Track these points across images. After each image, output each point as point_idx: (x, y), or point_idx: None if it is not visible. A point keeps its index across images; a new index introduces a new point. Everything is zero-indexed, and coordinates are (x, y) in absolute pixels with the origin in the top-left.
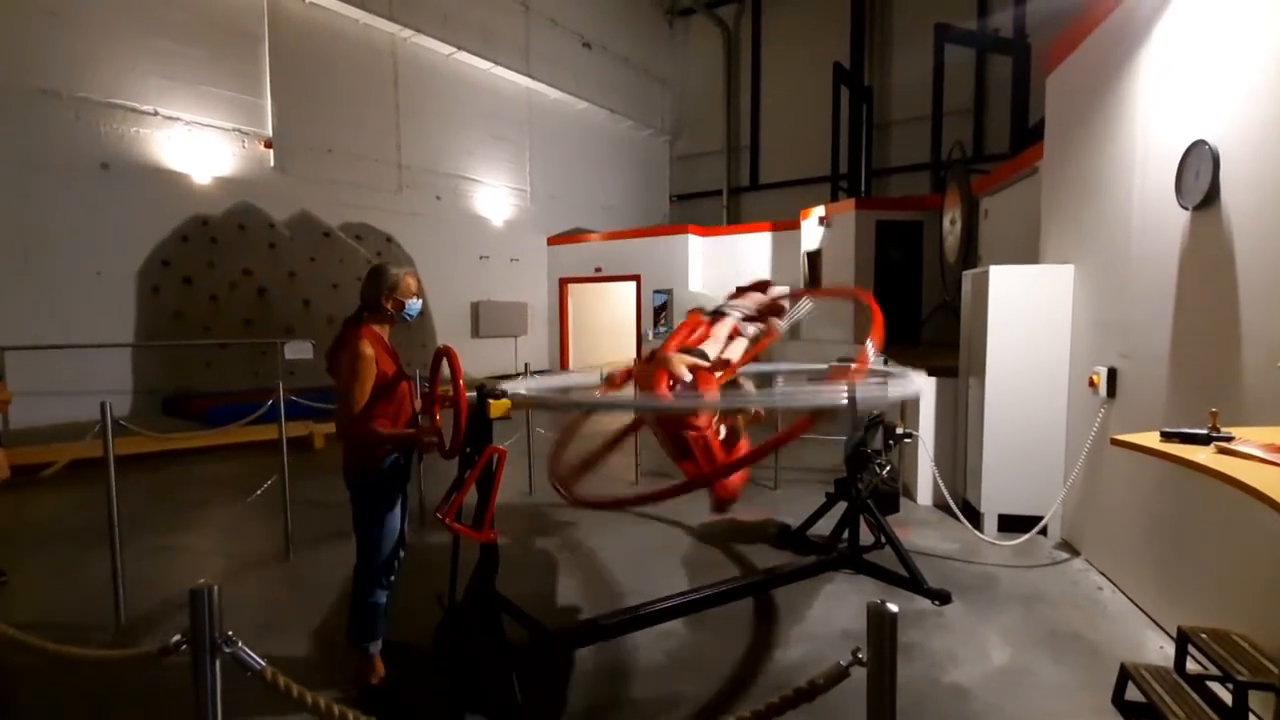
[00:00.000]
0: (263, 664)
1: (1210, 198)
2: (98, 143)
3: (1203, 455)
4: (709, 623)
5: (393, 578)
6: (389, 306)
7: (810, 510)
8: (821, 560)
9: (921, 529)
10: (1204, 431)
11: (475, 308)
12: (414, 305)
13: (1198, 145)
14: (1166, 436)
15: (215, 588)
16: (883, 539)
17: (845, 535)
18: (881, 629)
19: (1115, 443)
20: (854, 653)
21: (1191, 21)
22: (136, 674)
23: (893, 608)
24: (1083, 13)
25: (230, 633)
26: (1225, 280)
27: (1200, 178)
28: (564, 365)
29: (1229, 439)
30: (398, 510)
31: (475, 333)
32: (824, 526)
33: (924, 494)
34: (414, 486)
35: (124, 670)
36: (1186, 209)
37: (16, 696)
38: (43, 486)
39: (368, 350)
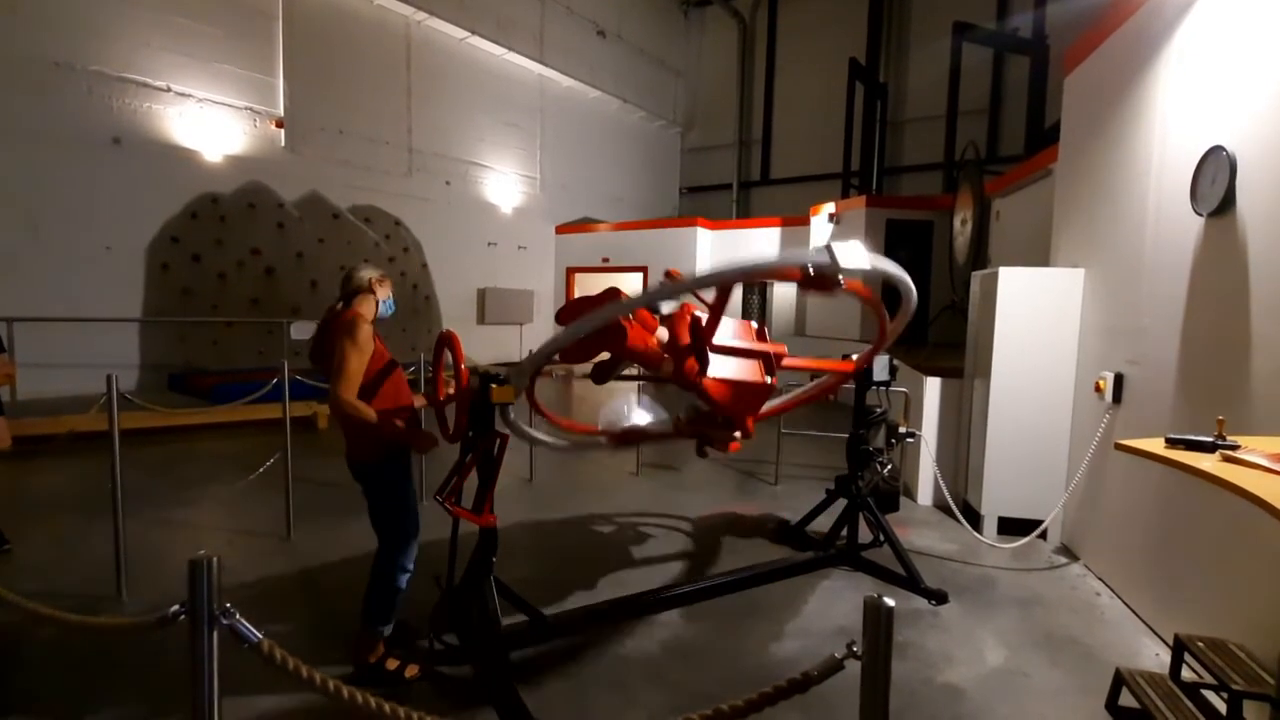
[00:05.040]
0: (260, 636)
1: (1226, 204)
2: (110, 117)
3: (1207, 463)
4: (704, 614)
5: (414, 559)
6: (376, 294)
7: (810, 506)
8: (819, 556)
9: (921, 529)
10: (1210, 439)
11: (482, 294)
12: (388, 304)
13: (1215, 151)
14: (1172, 443)
15: (214, 559)
16: (881, 537)
17: (844, 532)
18: (878, 623)
19: (1119, 447)
20: (849, 646)
21: (1212, 26)
22: (136, 643)
23: (889, 602)
24: (1103, 15)
25: (229, 605)
26: (1237, 288)
27: (1216, 184)
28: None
29: (1235, 447)
30: (412, 489)
31: (481, 319)
32: (823, 523)
33: (925, 494)
34: (414, 467)
35: (124, 639)
36: (1201, 215)
37: (18, 662)
38: (47, 458)
39: (365, 323)
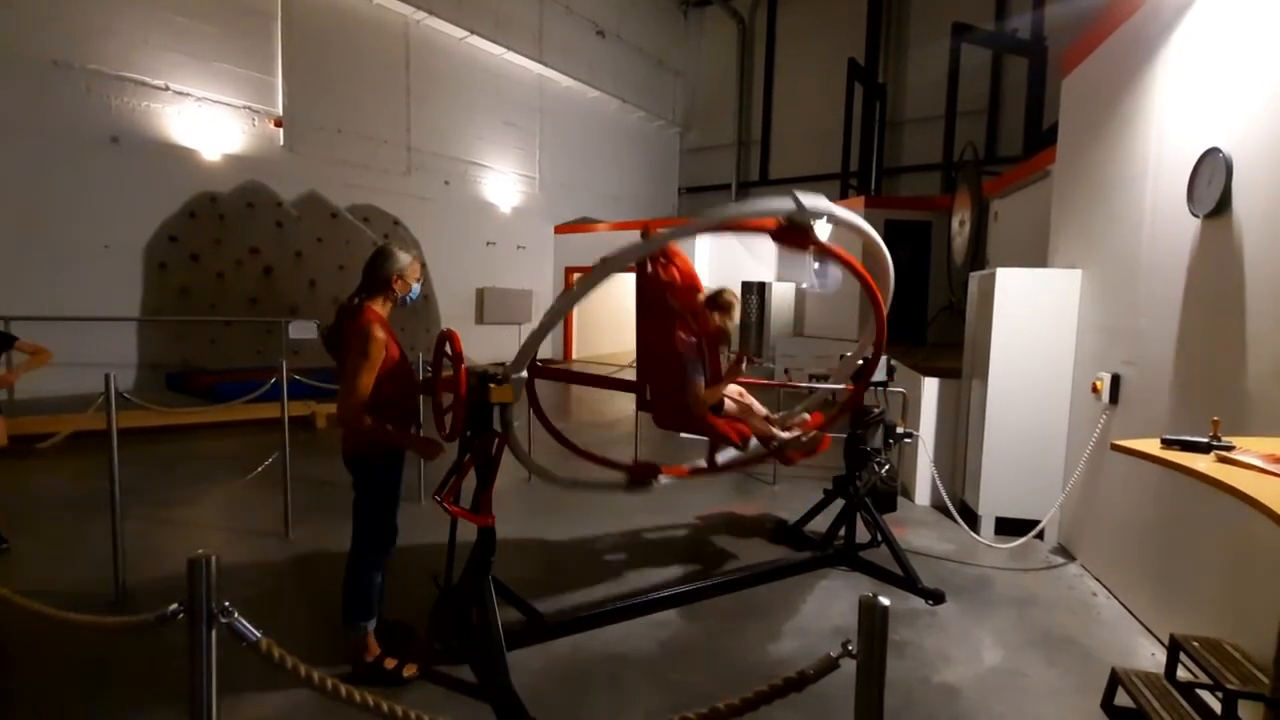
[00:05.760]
0: (258, 635)
1: (1222, 206)
2: (108, 116)
3: (1202, 463)
4: (703, 614)
5: (387, 558)
6: (397, 288)
7: (808, 506)
8: (817, 556)
9: (918, 529)
10: (1205, 440)
11: (480, 294)
12: (415, 290)
13: (1211, 153)
14: (1167, 443)
15: (213, 557)
16: (879, 537)
17: (842, 532)
18: (873, 621)
19: (1115, 448)
20: (844, 644)
21: (1209, 28)
22: (135, 642)
23: (884, 601)
24: (1101, 16)
25: (227, 603)
26: (1233, 290)
27: (1212, 186)
28: (568, 355)
29: (1229, 448)
30: (399, 491)
31: (480, 319)
32: (821, 523)
33: (922, 494)
34: (413, 466)
35: (122, 638)
36: (1197, 217)
37: (16, 661)
38: (45, 457)
39: (379, 333)
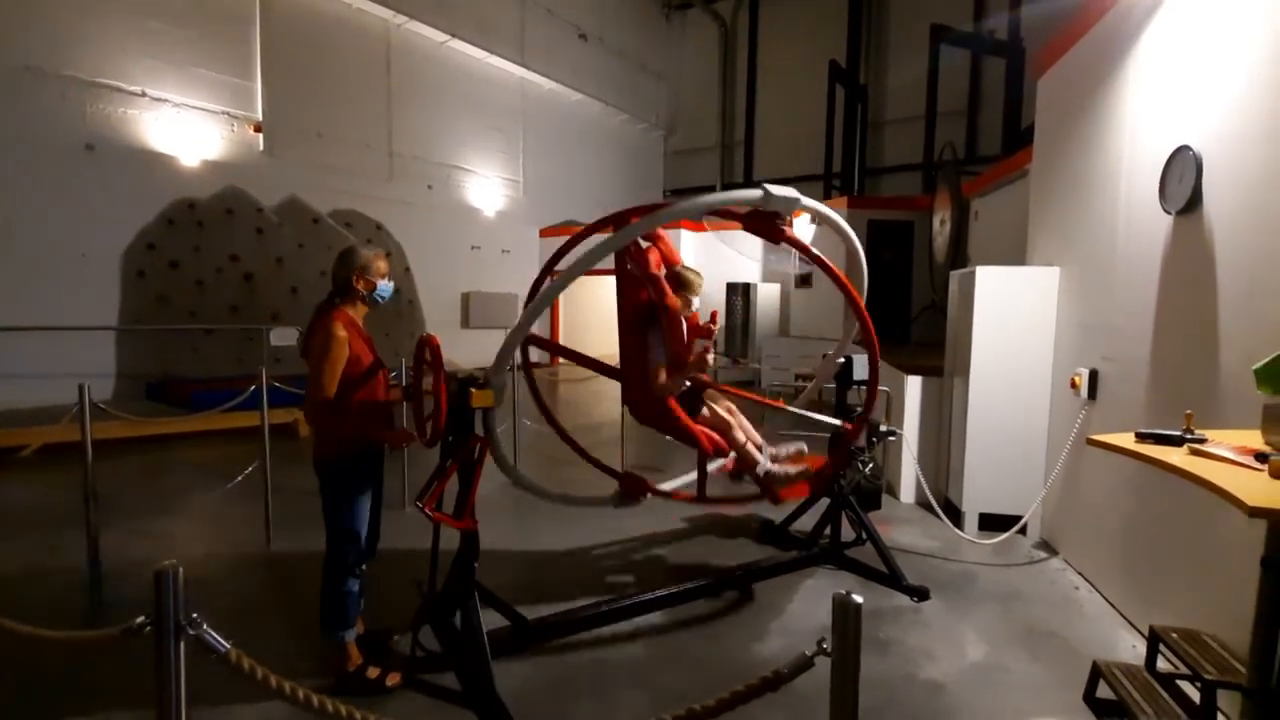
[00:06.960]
0: (227, 646)
1: (1193, 203)
2: (83, 123)
3: (1175, 456)
4: (689, 616)
5: (363, 566)
6: (359, 287)
7: (793, 506)
8: (802, 556)
9: (903, 526)
10: (1178, 433)
11: (465, 298)
12: (385, 287)
13: (1181, 151)
14: (1141, 437)
15: (179, 568)
16: (864, 535)
17: (827, 531)
18: (846, 620)
19: (1091, 443)
20: (819, 643)
21: (1179, 28)
22: (108, 656)
23: (858, 599)
24: (1074, 17)
25: (195, 615)
26: (1205, 285)
27: (1184, 183)
28: (554, 360)
29: (1202, 440)
30: (368, 497)
31: (465, 323)
32: (806, 522)
33: (906, 492)
34: (396, 473)
35: (94, 652)
36: (1170, 214)
37: None
38: (19, 469)
39: (340, 331)
